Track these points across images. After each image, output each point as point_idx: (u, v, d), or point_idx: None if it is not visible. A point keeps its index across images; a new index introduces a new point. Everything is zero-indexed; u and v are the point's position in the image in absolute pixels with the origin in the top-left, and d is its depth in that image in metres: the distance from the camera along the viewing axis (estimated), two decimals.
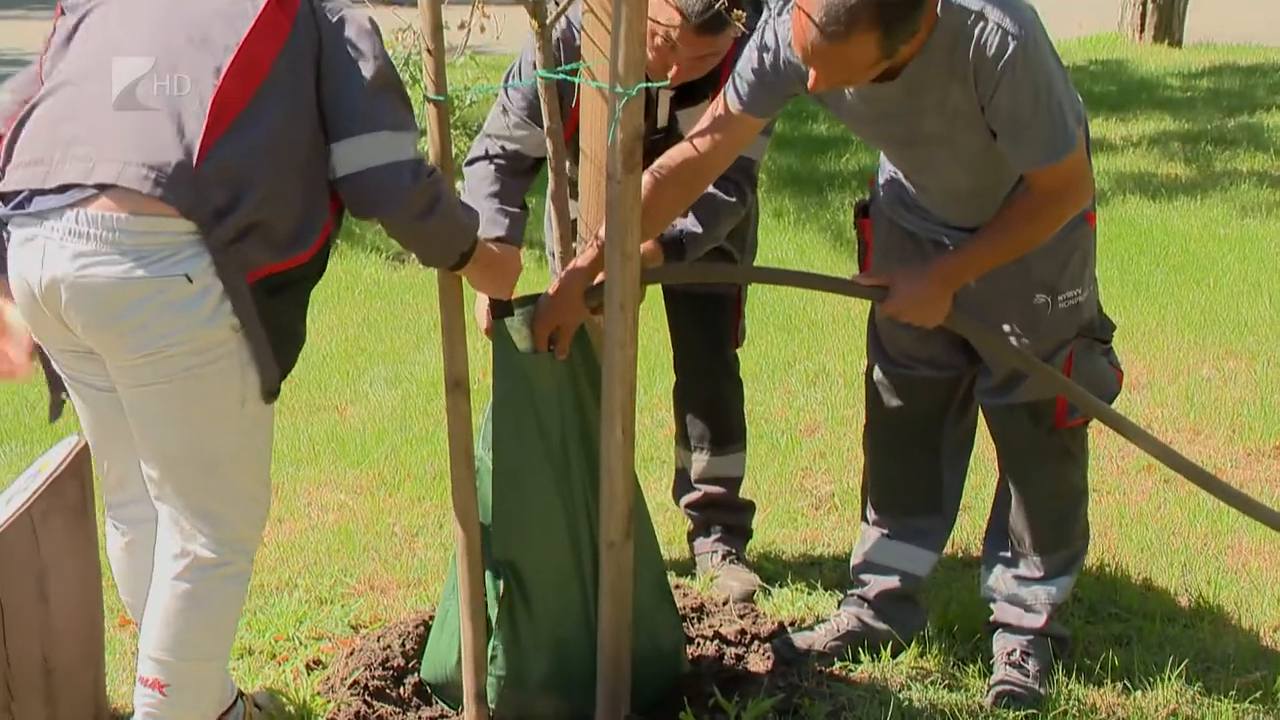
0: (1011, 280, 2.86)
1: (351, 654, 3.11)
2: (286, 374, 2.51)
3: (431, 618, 3.10)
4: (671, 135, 3.10)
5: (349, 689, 2.97)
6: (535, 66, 2.73)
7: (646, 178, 2.71)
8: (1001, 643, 3.10)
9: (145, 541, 2.65)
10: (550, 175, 2.76)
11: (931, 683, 3.06)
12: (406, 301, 6.07)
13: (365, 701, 2.94)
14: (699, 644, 3.15)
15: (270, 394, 2.49)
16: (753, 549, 3.70)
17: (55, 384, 2.66)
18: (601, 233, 2.68)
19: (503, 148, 3.19)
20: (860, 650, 3.15)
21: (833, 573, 3.58)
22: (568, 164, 2.85)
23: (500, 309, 2.79)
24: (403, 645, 3.11)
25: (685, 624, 3.17)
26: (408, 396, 4.97)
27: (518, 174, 3.20)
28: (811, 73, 2.55)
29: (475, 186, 3.17)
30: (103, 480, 2.71)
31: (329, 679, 3.04)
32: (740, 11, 2.74)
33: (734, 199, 3.17)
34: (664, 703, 2.92)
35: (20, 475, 2.82)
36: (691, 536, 3.67)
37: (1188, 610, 3.42)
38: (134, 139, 2.36)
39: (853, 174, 7.81)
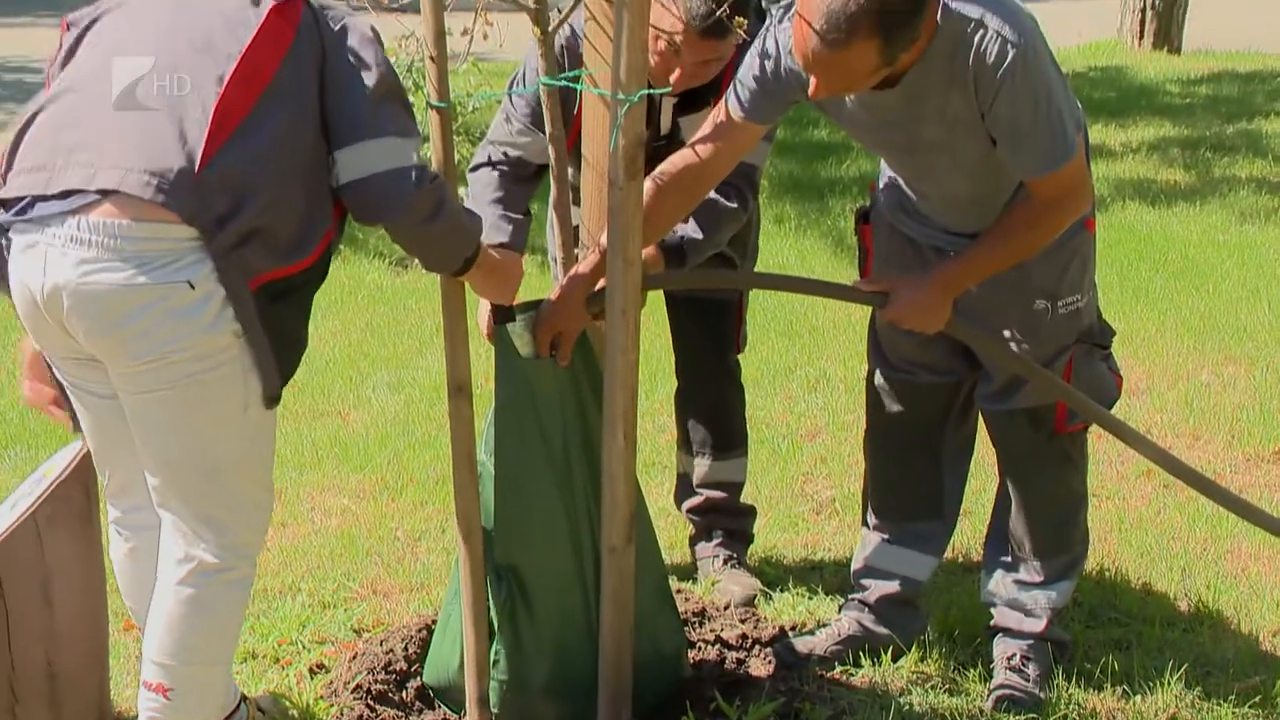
0: (1011, 286, 2.87)
1: (354, 658, 3.12)
2: (288, 380, 2.52)
3: (434, 622, 3.11)
4: (674, 142, 3.11)
5: (352, 693, 2.98)
6: (539, 73, 2.74)
7: (648, 184, 2.72)
8: (1002, 647, 3.11)
9: (149, 548, 2.65)
10: (553, 183, 2.77)
11: (932, 687, 3.07)
12: (409, 307, 6.08)
13: (368, 705, 2.95)
14: (700, 648, 3.16)
15: (272, 400, 2.49)
16: (754, 554, 3.71)
17: (65, 395, 2.66)
18: (603, 239, 2.69)
19: (505, 154, 3.20)
20: (861, 655, 3.15)
21: (833, 577, 3.59)
22: (570, 170, 2.86)
23: (502, 315, 2.79)
24: (405, 649, 3.12)
25: (687, 628, 3.18)
26: (410, 401, 4.98)
27: (521, 180, 3.21)
28: (812, 80, 2.56)
29: (479, 193, 3.18)
30: (105, 487, 2.72)
31: (332, 683, 3.04)
32: (742, 19, 2.76)
33: (735, 205, 3.18)
34: (665, 707, 2.93)
35: (25, 480, 2.82)
36: (693, 541, 3.68)
37: (1187, 615, 3.43)
38: (135, 142, 2.37)
39: (853, 180, 7.81)
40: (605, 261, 2.67)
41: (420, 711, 3.00)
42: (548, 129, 2.72)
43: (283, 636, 3.29)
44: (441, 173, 2.57)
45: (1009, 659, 3.08)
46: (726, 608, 3.37)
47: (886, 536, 3.21)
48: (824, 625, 3.27)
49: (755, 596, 3.47)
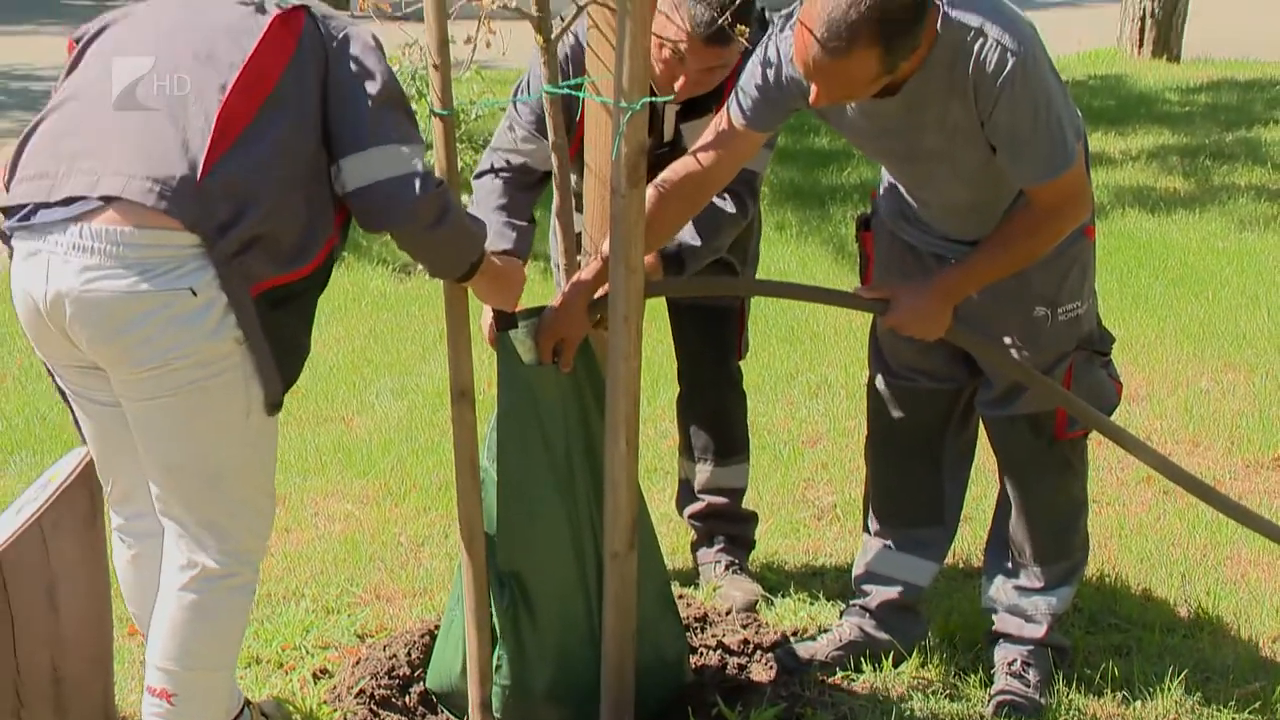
0: (1011, 293, 2.88)
1: (358, 663, 3.13)
2: (290, 386, 2.53)
3: (437, 627, 3.12)
4: (676, 149, 3.12)
5: (355, 698, 2.98)
6: (542, 81, 2.75)
7: (650, 191, 2.73)
8: (1002, 653, 3.12)
9: (151, 555, 2.66)
10: (555, 191, 2.78)
11: (933, 692, 3.08)
12: (412, 313, 6.09)
13: (371, 710, 2.96)
14: (702, 654, 3.17)
15: (274, 406, 2.50)
16: (755, 559, 3.72)
17: (68, 402, 2.67)
18: (605, 246, 2.70)
19: (508, 161, 3.21)
20: (862, 660, 3.16)
21: (835, 583, 3.59)
22: (573, 178, 2.87)
23: (505, 321, 2.80)
24: (408, 654, 3.12)
25: (689, 634, 3.19)
26: (413, 407, 4.99)
27: (525, 187, 3.22)
28: (813, 88, 2.57)
29: (483, 199, 3.19)
30: (108, 495, 2.72)
31: (335, 688, 3.05)
32: (744, 26, 2.77)
33: (735, 210, 3.19)
34: (667, 712, 2.94)
35: (30, 486, 2.83)
36: (695, 547, 3.68)
37: (1187, 621, 3.44)
38: (137, 146, 2.38)
39: (854, 187, 7.82)
40: (607, 268, 2.67)
41: (423, 716, 3.00)
42: (550, 137, 2.73)
43: (286, 641, 3.29)
44: (445, 180, 2.58)
45: (1009, 664, 3.09)
46: (728, 613, 3.37)
47: (887, 542, 3.22)
48: (825, 631, 3.28)
49: (757, 602, 3.47)
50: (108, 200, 2.35)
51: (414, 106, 2.68)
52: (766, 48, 2.77)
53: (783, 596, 3.53)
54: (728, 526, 3.63)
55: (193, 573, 2.54)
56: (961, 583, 3.57)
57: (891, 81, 2.62)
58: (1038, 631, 3.09)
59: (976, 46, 2.60)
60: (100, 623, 2.85)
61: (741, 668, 3.14)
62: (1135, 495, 4.15)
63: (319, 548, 3.89)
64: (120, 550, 2.76)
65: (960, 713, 2.99)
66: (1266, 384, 5.03)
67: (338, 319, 5.92)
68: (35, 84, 11.58)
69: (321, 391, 5.11)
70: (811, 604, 3.49)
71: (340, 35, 2.51)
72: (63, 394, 2.66)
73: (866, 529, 3.27)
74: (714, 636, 3.24)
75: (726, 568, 3.58)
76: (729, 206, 3.16)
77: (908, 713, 2.97)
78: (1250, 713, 3.01)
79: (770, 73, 2.74)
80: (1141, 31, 11.95)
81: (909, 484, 3.18)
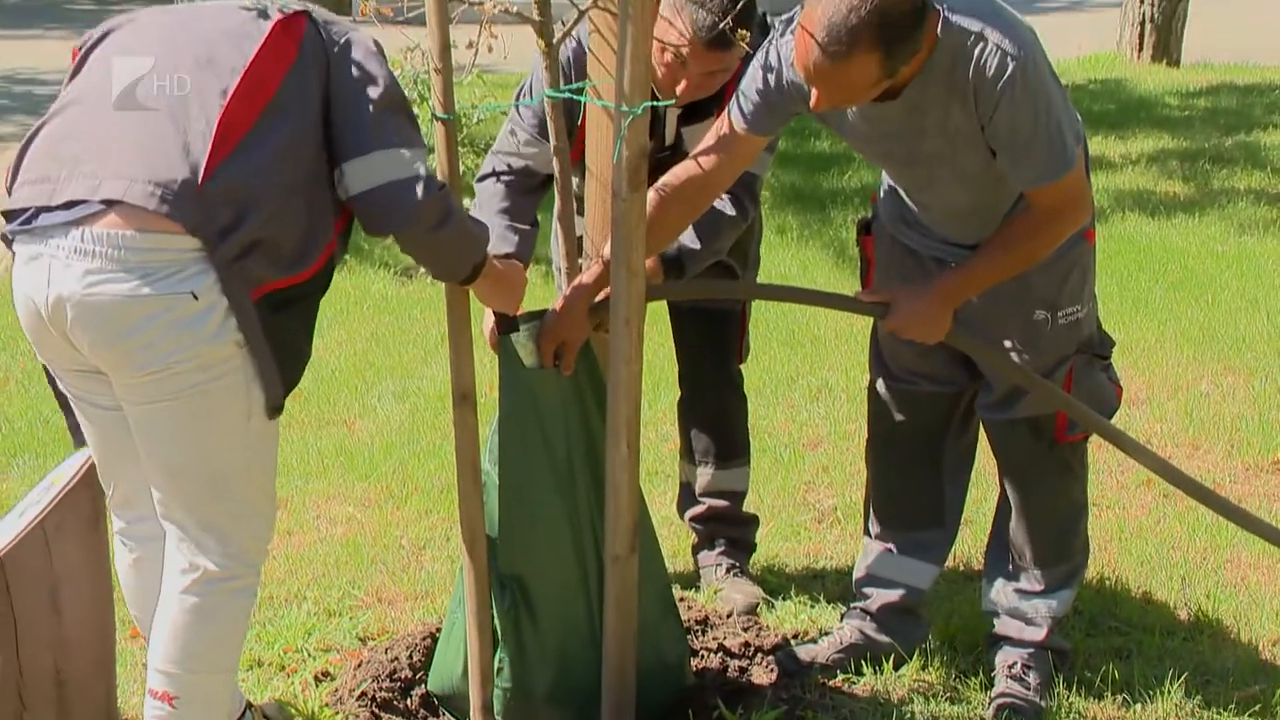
0: (1012, 297, 2.89)
1: (359, 666, 3.13)
2: (291, 390, 2.53)
3: (438, 630, 3.12)
4: (677, 153, 3.13)
5: (357, 700, 2.99)
6: (544, 85, 2.76)
7: (651, 195, 2.73)
8: (1003, 656, 3.12)
9: (153, 558, 2.67)
10: (557, 195, 2.79)
11: (933, 695, 3.09)
12: (414, 316, 6.09)
13: (373, 713, 2.96)
14: (703, 656, 3.17)
15: (275, 409, 2.50)
16: (756, 562, 3.72)
17: (68, 408, 2.67)
18: (607, 249, 2.71)
19: (510, 165, 3.21)
20: (863, 663, 3.17)
21: (835, 586, 3.60)
22: (575, 181, 2.88)
23: (506, 324, 2.80)
24: (410, 657, 3.13)
25: (689, 636, 3.19)
26: (415, 410, 4.99)
27: (527, 191, 3.22)
28: (814, 92, 2.58)
29: (485, 203, 3.20)
30: (109, 499, 2.73)
31: (337, 690, 3.06)
32: (745, 31, 2.78)
33: (735, 213, 3.20)
34: (668, 715, 2.95)
35: (33, 488, 2.84)
36: (696, 550, 3.69)
37: (1187, 624, 3.44)
38: (138, 148, 2.38)
39: (855, 191, 7.83)
40: (609, 272, 2.68)
41: (425, 719, 3.01)
42: (552, 141, 2.73)
43: (288, 644, 3.30)
44: (446, 183, 2.59)
45: (1010, 667, 3.09)
46: (729, 616, 3.38)
47: (888, 545, 3.22)
48: (826, 633, 3.28)
49: (757, 605, 3.48)
50: (109, 204, 2.36)
51: (416, 111, 2.68)
52: (768, 52, 2.77)
53: (783, 599, 3.53)
54: (729, 529, 3.64)
55: (194, 575, 2.55)
56: (962, 586, 3.57)
57: (892, 86, 2.63)
58: (1038, 634, 3.10)
59: (977, 51, 2.61)
60: (103, 625, 2.85)
61: (742, 670, 3.15)
62: (1135, 498, 4.15)
63: (321, 551, 3.90)
64: (122, 554, 2.76)
65: (961, 715, 3.00)
66: (1266, 387, 5.03)
67: (340, 322, 5.93)
68: (39, 88, 11.60)
69: (323, 395, 5.12)
70: (812, 607, 3.50)
71: (342, 40, 2.52)
72: (61, 399, 2.66)
73: (867, 532, 3.28)
74: (715, 639, 3.25)
75: (727, 570, 3.58)
76: (729, 209, 3.17)
77: (908, 715, 2.98)
78: (1250, 716, 3.02)
79: (771, 77, 2.75)
80: (1141, 36, 11.96)
81: (910, 487, 3.19)
